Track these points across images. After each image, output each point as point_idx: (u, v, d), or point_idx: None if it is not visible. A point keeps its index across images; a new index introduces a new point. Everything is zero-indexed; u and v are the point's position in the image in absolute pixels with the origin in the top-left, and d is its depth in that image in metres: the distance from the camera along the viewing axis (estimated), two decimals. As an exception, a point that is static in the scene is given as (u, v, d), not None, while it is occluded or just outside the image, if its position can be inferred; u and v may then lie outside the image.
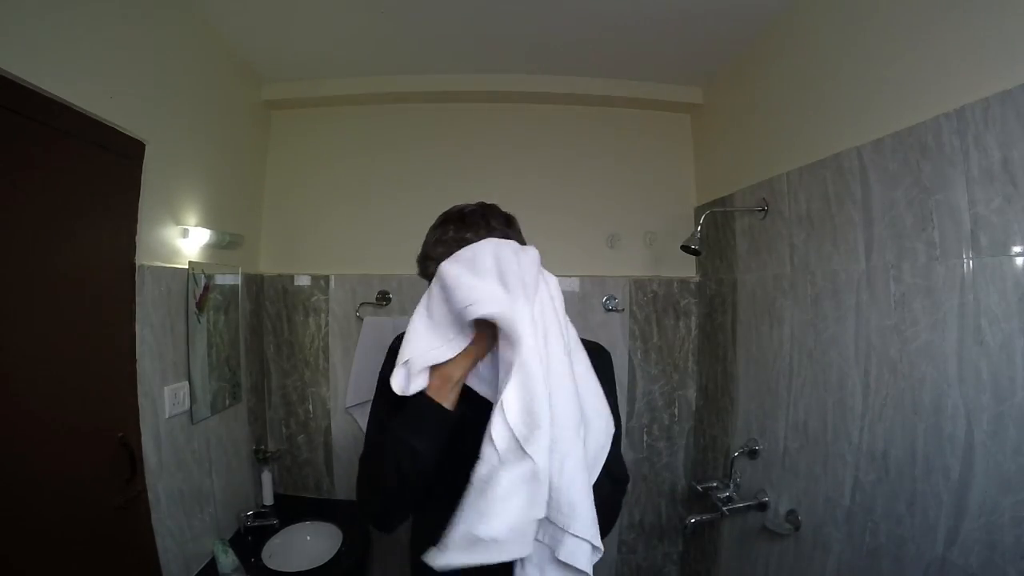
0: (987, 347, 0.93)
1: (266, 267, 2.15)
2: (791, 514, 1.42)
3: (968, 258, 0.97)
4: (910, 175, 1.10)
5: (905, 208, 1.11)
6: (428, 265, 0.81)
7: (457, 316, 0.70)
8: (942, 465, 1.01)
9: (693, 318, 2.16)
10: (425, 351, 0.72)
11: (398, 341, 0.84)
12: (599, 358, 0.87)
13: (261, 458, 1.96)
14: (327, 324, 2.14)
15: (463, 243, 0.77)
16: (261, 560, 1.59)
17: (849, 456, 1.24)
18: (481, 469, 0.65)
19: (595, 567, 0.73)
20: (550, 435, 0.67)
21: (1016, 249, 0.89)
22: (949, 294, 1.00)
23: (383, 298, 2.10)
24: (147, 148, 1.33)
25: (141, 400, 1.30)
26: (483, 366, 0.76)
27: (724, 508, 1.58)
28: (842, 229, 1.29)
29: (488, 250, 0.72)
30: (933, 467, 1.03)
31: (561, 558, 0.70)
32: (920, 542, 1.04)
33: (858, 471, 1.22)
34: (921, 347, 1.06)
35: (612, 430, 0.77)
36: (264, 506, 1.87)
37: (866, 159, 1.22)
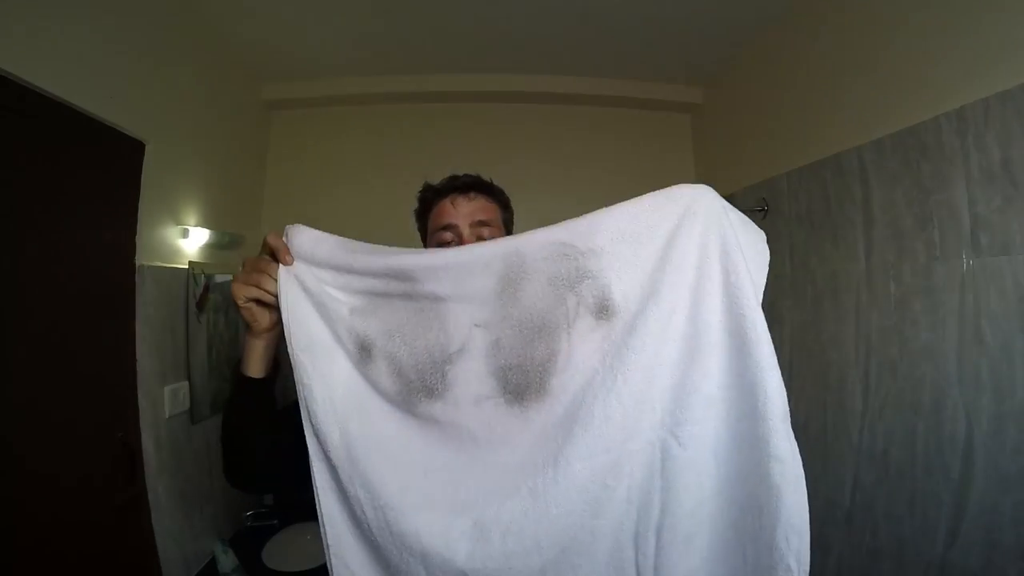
0: (987, 347, 0.93)
1: (266, 267, 2.14)
2: (791, 514, 1.42)
3: (968, 258, 0.97)
4: (910, 175, 1.10)
5: (905, 208, 1.11)
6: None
7: None
8: (942, 465, 1.01)
9: (693, 318, 2.16)
10: None
11: None
12: None
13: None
14: (327, 324, 2.13)
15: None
16: (261, 560, 1.59)
17: (849, 456, 1.24)
18: None
19: None
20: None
21: (1016, 249, 0.89)
22: (949, 294, 1.00)
23: (383, 298, 2.10)
24: (147, 148, 1.33)
25: (141, 400, 1.30)
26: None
27: (724, 508, 1.57)
28: (842, 229, 1.29)
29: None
30: (933, 467, 1.03)
31: None
32: (920, 542, 1.04)
33: (858, 471, 1.22)
34: (921, 347, 1.06)
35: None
36: (264, 506, 1.87)
37: (866, 159, 1.22)
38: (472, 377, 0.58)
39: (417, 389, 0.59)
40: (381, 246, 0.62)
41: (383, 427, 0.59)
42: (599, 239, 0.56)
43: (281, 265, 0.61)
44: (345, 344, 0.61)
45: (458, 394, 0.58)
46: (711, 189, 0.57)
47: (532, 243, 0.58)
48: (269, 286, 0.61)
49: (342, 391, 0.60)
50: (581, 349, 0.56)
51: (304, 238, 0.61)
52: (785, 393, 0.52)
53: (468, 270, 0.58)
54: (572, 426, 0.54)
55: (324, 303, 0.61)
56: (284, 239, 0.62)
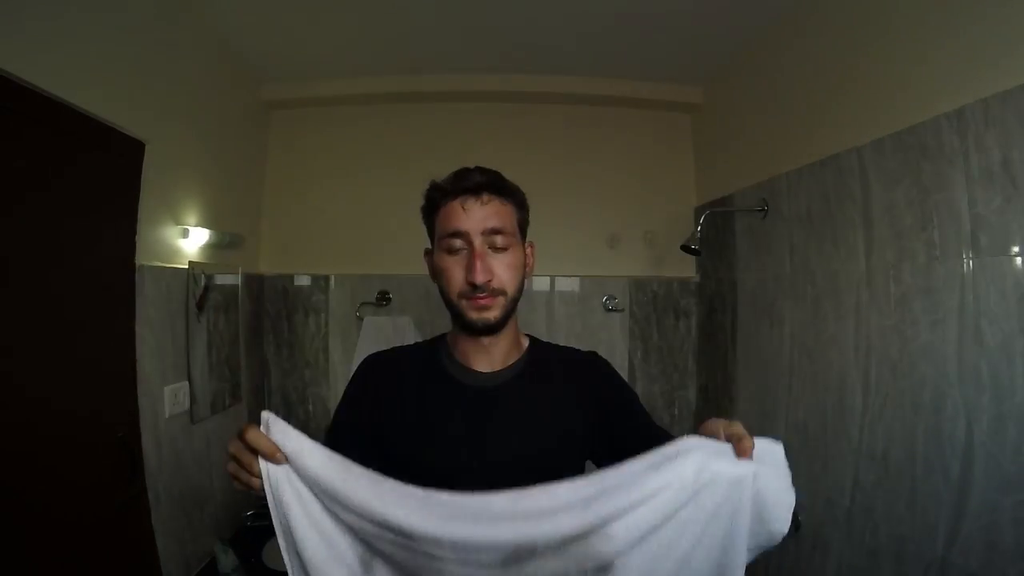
0: (987, 347, 0.93)
1: (266, 267, 2.15)
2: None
3: (968, 258, 0.97)
4: (910, 175, 1.10)
5: (905, 208, 1.11)
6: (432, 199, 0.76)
7: None
8: (942, 465, 1.01)
9: (693, 318, 2.16)
10: None
11: (366, 365, 0.83)
12: (591, 368, 0.83)
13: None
14: (327, 324, 2.13)
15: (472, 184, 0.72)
16: (261, 560, 1.59)
17: (849, 456, 1.24)
18: None
19: None
20: None
21: (1016, 249, 0.89)
22: (949, 294, 1.00)
23: (383, 298, 2.10)
24: (147, 148, 1.33)
25: (141, 400, 1.30)
26: None
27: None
28: (842, 229, 1.29)
29: None
30: (933, 467, 1.03)
31: None
32: (920, 542, 1.04)
33: (858, 471, 1.22)
34: (921, 347, 1.06)
35: None
36: (264, 506, 1.86)
37: (866, 159, 1.22)
38: None
39: None
40: (378, 476, 0.55)
41: None
42: (615, 527, 0.51)
43: (268, 464, 0.55)
44: (346, 558, 0.57)
45: None
46: (720, 451, 0.51)
47: (550, 537, 0.52)
48: (255, 485, 0.57)
49: None
50: None
51: (292, 444, 0.55)
52: None
53: (473, 547, 0.54)
54: None
55: (317, 518, 0.56)
56: (264, 429, 0.55)
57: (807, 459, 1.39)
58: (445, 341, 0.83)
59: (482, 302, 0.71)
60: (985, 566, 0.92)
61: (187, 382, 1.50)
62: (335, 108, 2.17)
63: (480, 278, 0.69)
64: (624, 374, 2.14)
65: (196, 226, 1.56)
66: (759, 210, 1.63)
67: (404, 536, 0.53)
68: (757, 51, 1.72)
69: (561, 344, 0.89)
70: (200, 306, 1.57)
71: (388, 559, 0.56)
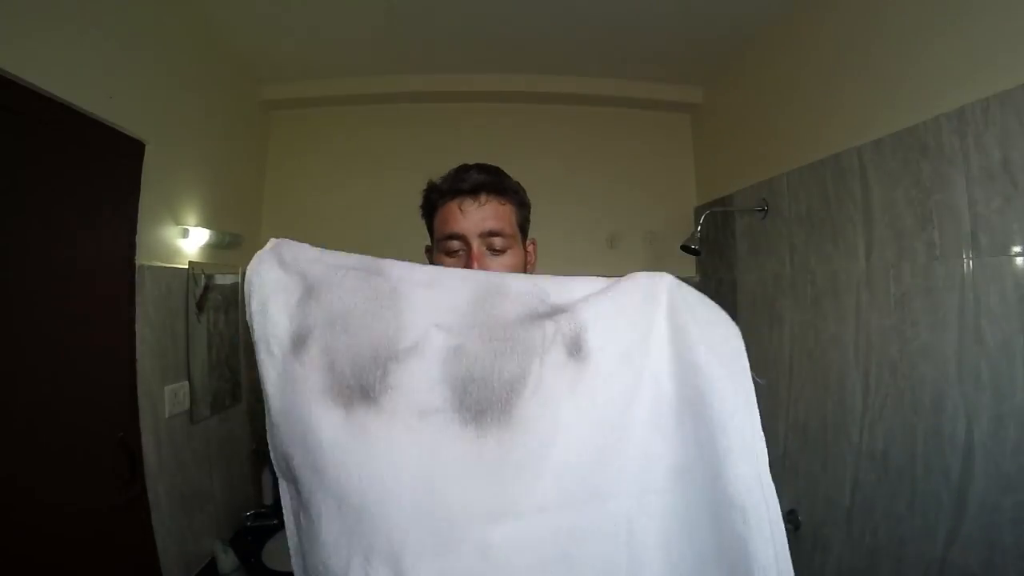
0: (987, 347, 0.93)
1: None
2: (791, 514, 1.42)
3: (968, 258, 0.97)
4: (910, 175, 1.10)
5: (905, 208, 1.11)
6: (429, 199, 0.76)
7: None
8: (942, 465, 1.01)
9: (693, 318, 2.16)
10: None
11: None
12: None
13: (261, 458, 1.96)
14: (327, 324, 2.13)
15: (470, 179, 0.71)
16: (261, 560, 1.59)
17: (849, 456, 1.24)
18: None
19: None
20: None
21: (1016, 249, 0.89)
22: (949, 294, 1.00)
23: (383, 298, 2.10)
24: (147, 148, 1.33)
25: (141, 400, 1.30)
26: None
27: (724, 508, 1.57)
28: (842, 229, 1.29)
29: None
30: (933, 467, 1.03)
31: None
32: (920, 542, 1.04)
33: (858, 471, 1.22)
34: (921, 347, 1.06)
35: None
36: (264, 506, 1.86)
37: (866, 159, 1.22)
38: (421, 381, 0.48)
39: (348, 389, 0.49)
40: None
41: (299, 431, 0.50)
42: (576, 293, 0.52)
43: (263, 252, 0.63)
44: (281, 337, 0.56)
45: (398, 401, 0.48)
46: (668, 275, 0.53)
47: (517, 279, 0.55)
48: None
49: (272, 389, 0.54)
50: (552, 383, 0.48)
51: (287, 250, 0.64)
52: (758, 478, 0.49)
53: (443, 279, 0.54)
54: (539, 467, 0.46)
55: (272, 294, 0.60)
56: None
57: (807, 459, 1.39)
58: None
59: None
60: (985, 566, 0.92)
61: (187, 382, 1.50)
62: (335, 108, 2.17)
63: None
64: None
65: (196, 226, 1.56)
66: (759, 210, 1.63)
67: (374, 272, 0.55)
68: (757, 51, 1.72)
69: None
70: (200, 306, 1.57)
71: (331, 305, 0.54)
